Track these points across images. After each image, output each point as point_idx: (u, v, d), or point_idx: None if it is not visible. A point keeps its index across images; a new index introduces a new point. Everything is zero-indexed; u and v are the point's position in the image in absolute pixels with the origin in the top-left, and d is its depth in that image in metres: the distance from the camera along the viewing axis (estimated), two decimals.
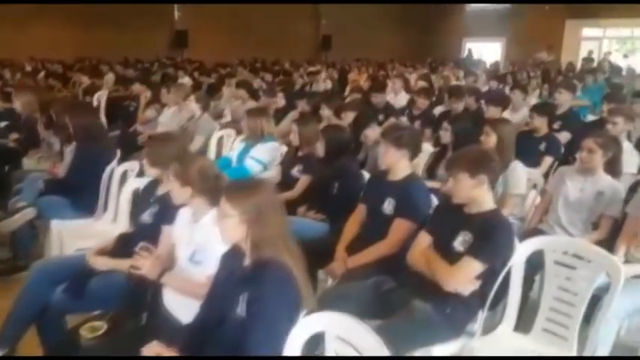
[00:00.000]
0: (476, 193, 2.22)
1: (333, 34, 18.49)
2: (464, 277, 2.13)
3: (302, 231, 3.04)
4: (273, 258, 1.68)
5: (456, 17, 19.36)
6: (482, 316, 2.22)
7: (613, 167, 2.98)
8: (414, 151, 2.74)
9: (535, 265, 2.35)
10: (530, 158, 4.28)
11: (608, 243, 2.75)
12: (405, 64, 13.10)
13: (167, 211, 2.30)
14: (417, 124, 5.34)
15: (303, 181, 3.43)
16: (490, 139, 3.28)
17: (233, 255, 1.83)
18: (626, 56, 15.27)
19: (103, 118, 7.38)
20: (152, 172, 2.59)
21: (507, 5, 17.84)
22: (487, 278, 2.16)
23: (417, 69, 12.02)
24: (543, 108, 4.37)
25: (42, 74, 10.15)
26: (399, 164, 2.73)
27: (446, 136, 3.68)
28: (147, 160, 2.59)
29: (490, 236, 2.13)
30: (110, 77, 9.33)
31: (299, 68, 12.64)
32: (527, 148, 4.37)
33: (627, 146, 3.93)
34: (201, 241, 2.07)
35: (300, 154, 3.62)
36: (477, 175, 2.19)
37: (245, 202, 1.70)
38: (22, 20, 13.57)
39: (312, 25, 18.76)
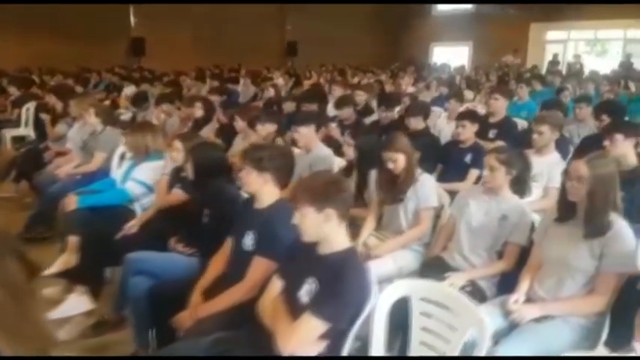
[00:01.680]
0: (326, 231, 1.80)
1: (299, 41, 18.10)
2: (301, 339, 1.70)
3: (166, 268, 2.62)
4: None
5: (423, 22, 19.14)
6: None
7: (519, 187, 2.59)
8: (281, 174, 2.31)
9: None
10: (457, 171, 3.92)
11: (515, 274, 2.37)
12: (365, 70, 12.72)
13: None
14: (347, 134, 4.94)
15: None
16: (399, 161, 2.87)
17: None
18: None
19: (30, 131, 6.94)
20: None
21: (473, 9, 17.69)
22: (334, 339, 1.74)
23: (376, 74, 11.66)
24: (471, 116, 3.98)
25: None
26: (263, 190, 2.30)
27: (349, 151, 3.27)
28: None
29: (335, 287, 1.71)
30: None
31: (258, 75, 12.20)
32: (454, 160, 4.00)
33: (555, 158, 3.57)
34: None
35: (182, 174, 3.17)
36: (323, 209, 1.77)
37: None
38: None
39: (278, 31, 18.34)
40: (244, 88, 10.00)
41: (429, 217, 2.83)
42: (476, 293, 2.40)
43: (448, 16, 18.34)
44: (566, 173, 2.18)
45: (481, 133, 4.62)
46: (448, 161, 4.03)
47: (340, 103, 4.90)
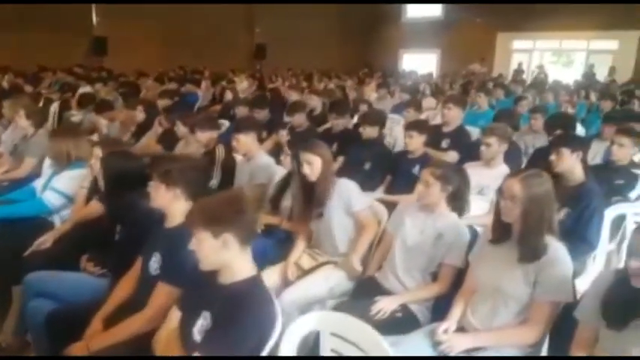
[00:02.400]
0: (226, 258, 1.59)
1: (267, 43, 17.86)
2: None
3: (70, 291, 2.36)
4: None
5: (393, 28, 19.16)
6: None
7: (456, 204, 2.42)
8: (192, 189, 2.08)
9: None
10: (405, 182, 3.75)
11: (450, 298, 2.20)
12: (331, 75, 12.56)
13: None
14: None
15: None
16: (315, 167, 2.67)
17: None
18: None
19: None
20: None
21: (442, 17, 17.78)
22: None
23: (343, 80, 11.51)
24: (418, 126, 3.83)
25: None
26: (172, 206, 2.07)
27: (286, 161, 3.07)
28: None
29: (230, 323, 1.50)
30: None
31: (222, 78, 11.91)
32: (402, 171, 3.84)
33: (503, 170, 3.43)
34: None
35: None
36: (220, 234, 1.56)
37: None
38: None
39: (246, 33, 18.06)
40: (205, 92, 9.73)
41: (371, 218, 2.64)
42: (408, 319, 2.23)
43: (417, 24, 18.39)
44: (499, 192, 2.02)
45: (434, 143, 4.52)
46: (397, 172, 3.87)
47: (292, 109, 4.70)
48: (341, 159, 4.33)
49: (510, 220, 1.98)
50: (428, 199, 2.38)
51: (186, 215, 1.67)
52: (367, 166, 4.10)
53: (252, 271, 1.64)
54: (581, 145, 2.96)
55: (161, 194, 2.04)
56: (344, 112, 4.48)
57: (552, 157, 2.98)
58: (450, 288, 2.27)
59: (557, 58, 17.89)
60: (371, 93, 8.37)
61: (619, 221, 3.00)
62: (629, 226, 2.93)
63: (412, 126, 3.82)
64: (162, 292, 1.93)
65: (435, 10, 17.93)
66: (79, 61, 13.75)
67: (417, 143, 3.73)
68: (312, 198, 2.70)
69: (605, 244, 2.90)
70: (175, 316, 1.73)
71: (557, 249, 1.92)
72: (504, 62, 16.42)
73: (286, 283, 2.60)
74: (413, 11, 18.79)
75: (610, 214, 2.94)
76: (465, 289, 2.17)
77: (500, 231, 2.05)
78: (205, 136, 3.67)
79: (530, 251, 1.92)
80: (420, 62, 18.37)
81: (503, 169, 3.42)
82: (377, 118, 4.20)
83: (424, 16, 18.32)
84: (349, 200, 2.63)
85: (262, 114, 5.05)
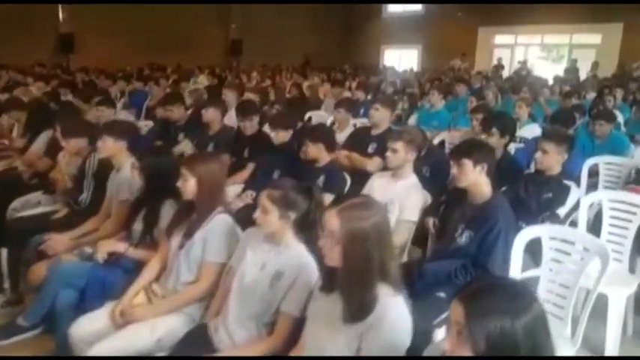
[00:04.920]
0: None
1: (244, 39, 17.33)
2: None
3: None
4: None
5: (374, 23, 18.64)
6: None
7: (307, 233, 1.93)
8: None
9: None
10: None
11: None
12: (297, 71, 12.05)
13: None
14: (211, 146, 4.25)
15: None
16: (188, 184, 2.18)
17: None
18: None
19: None
20: None
21: (422, 12, 17.27)
22: None
23: (307, 78, 10.97)
24: (317, 130, 3.34)
25: None
26: None
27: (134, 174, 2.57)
28: None
29: None
30: None
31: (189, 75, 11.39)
32: (306, 183, 3.34)
33: (411, 183, 2.95)
34: None
35: None
36: None
37: None
38: None
39: (221, 28, 17.52)
40: (163, 90, 9.22)
41: (213, 273, 2.14)
42: None
43: (398, 18, 17.88)
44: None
45: (360, 148, 4.03)
46: (302, 183, 3.37)
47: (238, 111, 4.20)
48: (251, 166, 3.84)
49: (332, 262, 1.49)
50: (267, 227, 1.89)
51: None
52: (276, 174, 3.62)
53: None
54: (485, 155, 2.46)
55: None
56: (250, 113, 3.96)
57: (453, 171, 2.50)
58: (287, 344, 1.78)
59: (546, 53, 17.36)
60: (324, 91, 7.86)
61: (536, 246, 2.50)
62: (547, 254, 2.44)
63: (308, 131, 3.31)
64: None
65: (416, 5, 17.42)
66: (46, 60, 13.25)
67: (314, 151, 3.23)
68: (181, 221, 2.23)
69: (515, 274, 2.41)
70: None
71: (387, 305, 1.43)
72: (486, 58, 15.91)
73: (116, 327, 2.12)
74: (393, 6, 18.27)
75: (522, 238, 2.44)
76: (298, 347, 1.68)
77: (327, 277, 1.56)
78: (72, 143, 3.17)
79: (354, 307, 1.43)
80: (401, 58, 17.91)
81: (411, 181, 2.94)
82: (289, 122, 3.69)
83: (405, 11, 17.82)
84: (210, 245, 2.13)
85: (177, 112, 4.54)
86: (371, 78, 10.53)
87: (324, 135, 3.29)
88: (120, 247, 2.46)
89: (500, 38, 16.13)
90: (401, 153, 2.88)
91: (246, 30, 17.03)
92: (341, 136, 4.47)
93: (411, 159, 2.93)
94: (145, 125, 5.30)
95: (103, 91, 6.23)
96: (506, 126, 3.50)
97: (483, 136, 3.42)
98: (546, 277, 2.40)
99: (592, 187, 4.19)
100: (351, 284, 1.44)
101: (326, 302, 1.55)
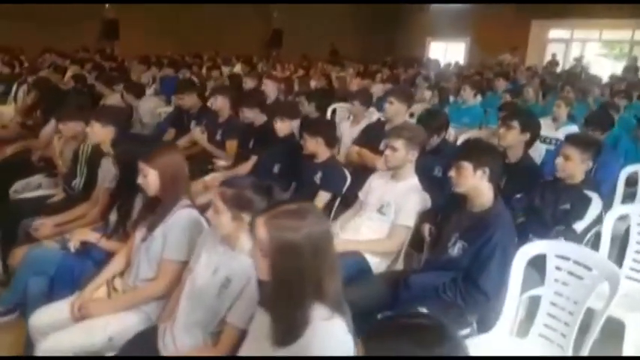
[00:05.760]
0: None
1: (285, 29, 17.19)
2: None
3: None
4: None
5: (420, 16, 18.04)
6: None
7: None
8: None
9: None
10: (307, 192, 3.09)
11: None
12: (336, 63, 11.78)
13: None
14: (219, 134, 4.13)
15: None
16: (149, 179, 2.05)
17: None
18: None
19: None
20: None
21: (471, 5, 16.55)
22: None
23: (344, 69, 10.70)
24: (316, 124, 3.13)
25: None
26: None
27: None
28: None
29: None
30: None
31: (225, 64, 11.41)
32: (305, 178, 3.16)
33: (411, 185, 2.69)
34: None
35: None
36: None
37: None
38: None
39: (263, 18, 17.44)
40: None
41: (171, 271, 1.99)
42: None
43: (445, 10, 17.20)
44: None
45: (371, 143, 3.80)
46: (301, 179, 3.20)
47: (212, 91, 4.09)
48: (254, 158, 3.69)
49: (261, 276, 1.31)
50: (220, 229, 1.73)
51: None
52: (276, 168, 3.46)
53: None
54: (488, 159, 2.19)
55: None
56: (252, 103, 3.79)
57: (451, 174, 2.24)
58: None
59: (607, 50, 16.27)
60: (352, 80, 7.60)
61: (540, 262, 2.22)
62: (552, 273, 2.14)
63: (306, 127, 3.11)
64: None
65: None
66: (91, 46, 13.61)
67: (312, 145, 3.03)
68: (147, 214, 2.11)
69: (514, 294, 2.14)
70: None
71: (319, 328, 1.23)
72: (539, 53, 15.07)
73: (75, 318, 2.02)
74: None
75: (524, 254, 2.16)
76: None
77: (263, 291, 1.38)
78: (68, 127, 3.12)
79: (281, 328, 1.25)
80: (447, 52, 17.30)
81: (411, 183, 2.70)
82: (291, 112, 3.51)
83: (453, 4, 17.14)
84: (171, 242, 1.98)
85: (188, 100, 4.45)
86: (408, 71, 10.13)
87: (323, 129, 3.08)
88: (92, 237, 2.37)
89: (554, 32, 15.23)
90: (401, 152, 2.63)
91: (288, 20, 16.89)
92: (355, 130, 4.27)
93: (412, 159, 2.68)
94: (165, 112, 5.26)
95: (127, 77, 6.21)
96: (530, 122, 3.14)
97: (502, 130, 3.10)
98: (548, 299, 2.12)
99: (630, 197, 3.80)
100: (279, 302, 1.25)
101: (262, 319, 1.37)
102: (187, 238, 1.97)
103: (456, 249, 2.17)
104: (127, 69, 8.95)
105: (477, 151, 2.21)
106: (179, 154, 2.17)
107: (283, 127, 3.47)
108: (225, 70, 9.87)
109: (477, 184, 2.18)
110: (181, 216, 2.00)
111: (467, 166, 2.17)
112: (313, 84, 8.02)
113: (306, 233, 1.23)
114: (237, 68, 10.35)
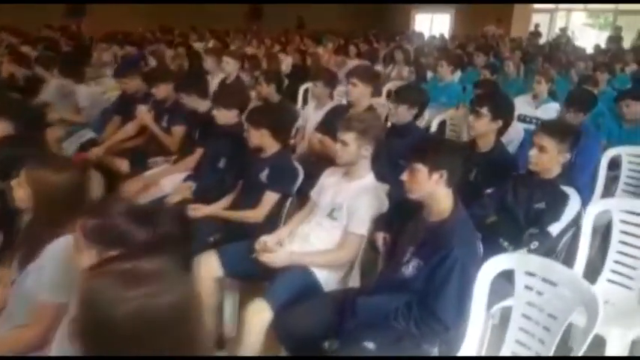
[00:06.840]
0: None
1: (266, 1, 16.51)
2: None
3: None
4: None
5: None
6: None
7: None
8: None
9: None
10: (253, 192, 2.73)
11: None
12: (311, 37, 11.23)
13: None
14: (165, 119, 3.71)
15: None
16: (21, 191, 1.67)
17: None
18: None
19: None
20: None
21: None
22: None
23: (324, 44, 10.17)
24: (259, 112, 2.74)
25: None
26: None
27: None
28: None
29: None
30: None
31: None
32: (251, 176, 2.78)
33: (367, 184, 2.35)
34: None
35: None
36: None
37: None
38: None
39: None
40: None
41: (47, 316, 1.57)
42: None
43: None
44: None
45: (336, 131, 3.41)
46: (247, 176, 2.82)
47: (152, 78, 3.66)
48: (200, 151, 3.31)
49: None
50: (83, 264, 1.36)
51: None
52: (222, 163, 3.08)
53: None
54: (445, 160, 1.84)
55: None
56: (190, 89, 3.36)
57: (403, 177, 1.89)
58: None
59: (593, 19, 15.84)
60: (329, 57, 7.16)
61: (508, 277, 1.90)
62: (520, 293, 1.83)
63: (250, 116, 2.71)
64: None
65: None
66: (56, 23, 12.90)
67: (257, 138, 2.65)
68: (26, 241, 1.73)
69: (478, 320, 1.82)
70: None
71: None
72: (524, 24, 14.62)
73: None
74: None
75: (488, 271, 1.84)
76: None
77: None
78: None
79: None
80: (434, 24, 16.77)
81: (366, 182, 2.35)
82: (234, 99, 3.10)
83: None
84: (43, 278, 1.57)
85: (131, 84, 4.01)
86: (390, 45, 9.64)
87: (268, 118, 2.67)
88: None
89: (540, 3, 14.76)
90: (352, 147, 2.28)
91: None
92: (319, 114, 3.88)
93: (366, 154, 2.32)
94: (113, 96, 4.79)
95: (76, 58, 5.68)
96: (500, 107, 2.77)
97: (471, 118, 2.76)
98: (519, 312, 1.81)
99: (613, 180, 3.51)
100: None
101: None
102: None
103: (410, 267, 1.84)
104: (89, 48, 8.40)
105: (432, 152, 1.85)
106: (68, 172, 1.70)
107: (221, 115, 3.06)
108: (200, 46, 9.36)
109: (433, 190, 1.84)
110: (60, 246, 1.60)
111: (421, 168, 1.83)
112: (286, 61, 7.58)
113: (136, 306, 0.87)
114: (212, 45, 9.81)
